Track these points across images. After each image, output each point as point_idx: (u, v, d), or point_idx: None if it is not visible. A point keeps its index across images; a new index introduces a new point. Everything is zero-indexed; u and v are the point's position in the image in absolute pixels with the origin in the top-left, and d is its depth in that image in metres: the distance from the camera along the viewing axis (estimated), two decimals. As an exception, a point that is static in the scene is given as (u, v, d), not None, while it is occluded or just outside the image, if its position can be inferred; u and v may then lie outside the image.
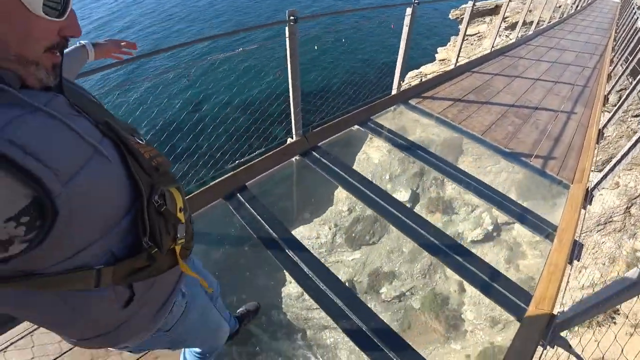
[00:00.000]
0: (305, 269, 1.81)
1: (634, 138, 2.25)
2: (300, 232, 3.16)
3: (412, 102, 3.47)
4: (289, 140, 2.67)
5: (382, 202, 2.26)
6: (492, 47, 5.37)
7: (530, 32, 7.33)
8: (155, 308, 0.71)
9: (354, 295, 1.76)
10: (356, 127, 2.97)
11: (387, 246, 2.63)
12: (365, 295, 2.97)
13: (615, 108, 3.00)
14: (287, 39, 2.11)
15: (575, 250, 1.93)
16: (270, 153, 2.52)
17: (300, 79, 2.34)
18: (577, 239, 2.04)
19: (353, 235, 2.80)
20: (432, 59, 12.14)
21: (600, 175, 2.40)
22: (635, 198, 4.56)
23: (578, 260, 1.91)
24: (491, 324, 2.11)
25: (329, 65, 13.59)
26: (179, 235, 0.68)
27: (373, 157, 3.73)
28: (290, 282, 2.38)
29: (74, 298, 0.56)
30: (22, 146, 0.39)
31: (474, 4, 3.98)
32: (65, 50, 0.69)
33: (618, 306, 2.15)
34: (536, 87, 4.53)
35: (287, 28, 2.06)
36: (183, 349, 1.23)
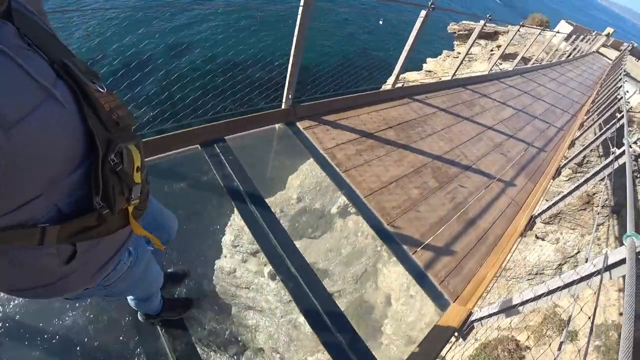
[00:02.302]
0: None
1: (573, 186, 2.53)
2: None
3: (299, 124, 2.56)
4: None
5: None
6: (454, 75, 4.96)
7: (510, 69, 6.90)
8: (98, 265, 0.67)
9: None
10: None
11: (327, 244, 2.68)
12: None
13: (551, 203, 2.51)
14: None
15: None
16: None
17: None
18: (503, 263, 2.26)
19: (296, 225, 2.81)
20: (419, 68, 12.24)
21: (545, 205, 2.67)
22: (569, 257, 5.11)
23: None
24: (407, 342, 2.27)
25: (337, 45, 13.36)
26: (133, 196, 0.63)
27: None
28: (225, 257, 2.38)
29: (12, 250, 0.51)
30: None
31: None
32: None
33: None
34: (482, 139, 3.69)
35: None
36: None
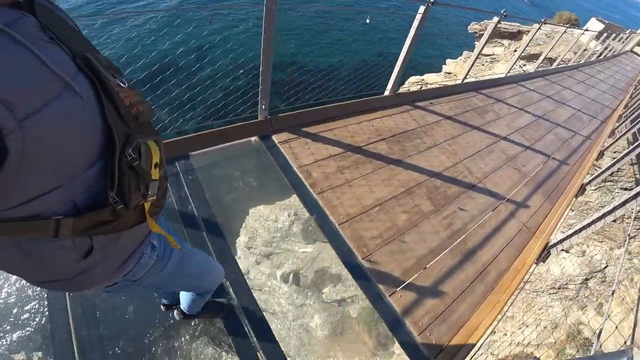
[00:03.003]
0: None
1: (603, 210, 2.10)
2: (260, 211, 2.94)
3: (275, 138, 2.30)
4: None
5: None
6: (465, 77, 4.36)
7: (531, 70, 6.18)
8: (119, 261, 0.66)
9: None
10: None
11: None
12: (306, 290, 2.82)
13: (572, 231, 2.18)
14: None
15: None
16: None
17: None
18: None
19: (310, 228, 2.58)
20: (439, 69, 11.66)
21: (562, 235, 2.26)
22: (597, 272, 4.55)
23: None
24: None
25: (315, 48, 12.52)
26: (149, 192, 0.62)
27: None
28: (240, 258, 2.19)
29: (28, 244, 0.51)
30: None
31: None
32: None
33: None
34: (493, 151, 3.20)
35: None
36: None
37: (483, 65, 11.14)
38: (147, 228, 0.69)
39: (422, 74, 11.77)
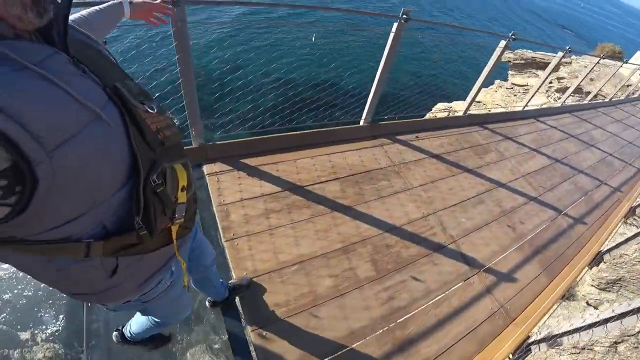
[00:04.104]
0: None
1: (622, 307, 1.52)
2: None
3: (205, 168, 2.03)
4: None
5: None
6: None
7: (558, 104, 5.36)
8: (140, 281, 0.69)
9: None
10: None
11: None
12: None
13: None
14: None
15: None
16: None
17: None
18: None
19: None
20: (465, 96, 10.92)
21: (552, 331, 1.69)
22: (629, 335, 3.67)
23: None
24: None
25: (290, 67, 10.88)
26: (177, 215, 0.65)
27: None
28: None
29: (60, 262, 0.54)
30: (1, 107, 0.36)
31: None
32: (100, 6, 0.82)
33: None
34: (484, 202, 2.67)
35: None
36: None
37: (515, 95, 10.31)
38: (172, 251, 0.71)
39: (451, 100, 11.14)
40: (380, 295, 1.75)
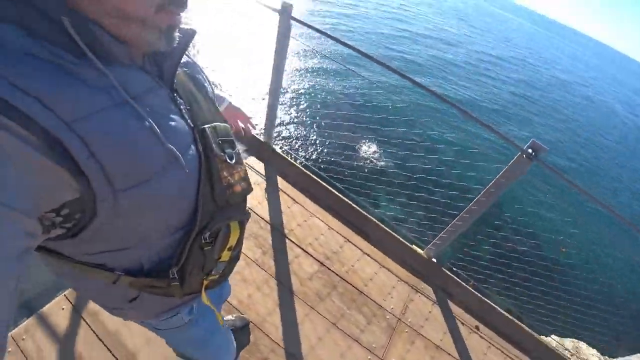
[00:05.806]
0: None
1: None
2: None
3: None
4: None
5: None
6: None
7: None
8: (155, 312, 0.68)
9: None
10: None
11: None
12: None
13: None
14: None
15: None
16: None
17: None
18: None
19: None
20: None
21: None
22: None
23: None
24: None
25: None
26: (214, 272, 0.64)
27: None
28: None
29: (85, 280, 0.57)
30: (88, 145, 0.36)
31: None
32: (217, 91, 0.78)
33: None
34: None
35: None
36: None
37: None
38: (193, 295, 0.68)
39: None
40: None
